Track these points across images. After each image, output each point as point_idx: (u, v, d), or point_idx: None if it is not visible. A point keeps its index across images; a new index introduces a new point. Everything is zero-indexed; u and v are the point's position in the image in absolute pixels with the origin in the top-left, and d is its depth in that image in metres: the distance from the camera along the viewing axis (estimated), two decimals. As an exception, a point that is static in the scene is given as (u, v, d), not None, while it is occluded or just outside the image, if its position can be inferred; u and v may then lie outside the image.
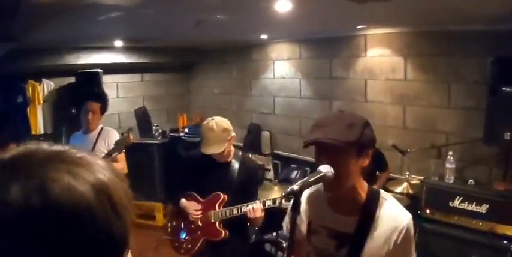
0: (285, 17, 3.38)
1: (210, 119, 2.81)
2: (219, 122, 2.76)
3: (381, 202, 1.58)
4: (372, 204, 1.57)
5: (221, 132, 2.73)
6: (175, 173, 3.22)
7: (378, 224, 1.52)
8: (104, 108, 3.90)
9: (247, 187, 2.86)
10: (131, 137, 3.44)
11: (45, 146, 0.62)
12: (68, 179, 0.56)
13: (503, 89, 3.18)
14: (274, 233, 3.55)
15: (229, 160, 2.89)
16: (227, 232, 2.81)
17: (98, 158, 0.65)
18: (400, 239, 1.50)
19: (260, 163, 5.26)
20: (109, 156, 3.40)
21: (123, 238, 0.62)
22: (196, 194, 2.95)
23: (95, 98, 3.93)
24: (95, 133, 3.77)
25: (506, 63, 3.25)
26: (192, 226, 2.93)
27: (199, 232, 2.89)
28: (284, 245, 3.27)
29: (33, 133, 5.48)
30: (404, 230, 1.50)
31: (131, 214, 0.65)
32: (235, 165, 2.88)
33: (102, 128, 3.81)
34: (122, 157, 3.73)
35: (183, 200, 2.95)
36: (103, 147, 3.66)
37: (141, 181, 5.70)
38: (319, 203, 1.68)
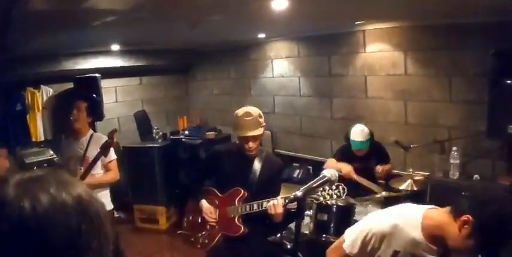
0: (281, 15, 3.35)
1: (243, 107, 2.90)
2: (254, 108, 2.86)
3: None
4: None
5: (258, 116, 2.81)
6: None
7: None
8: (91, 109, 3.86)
9: (269, 184, 2.86)
10: (115, 139, 3.45)
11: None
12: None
13: (506, 81, 3.13)
14: (278, 235, 3.52)
15: (253, 155, 2.91)
16: (246, 228, 2.81)
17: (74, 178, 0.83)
18: None
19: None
20: (96, 161, 3.41)
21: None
22: (215, 190, 2.98)
23: (83, 98, 3.93)
24: (85, 138, 3.73)
25: (507, 55, 3.21)
26: None
27: (217, 227, 2.90)
28: (288, 246, 3.24)
29: (33, 140, 5.47)
30: None
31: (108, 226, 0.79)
32: (259, 162, 2.90)
33: (92, 134, 3.78)
34: (113, 164, 3.72)
35: (203, 202, 2.97)
36: (94, 153, 3.63)
37: (142, 184, 5.69)
38: (413, 235, 1.69)
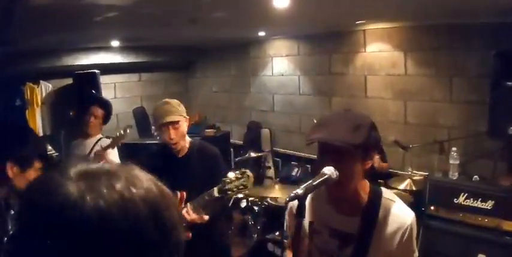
0: (283, 13, 3.34)
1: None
2: (175, 100, 2.76)
3: (384, 202, 1.56)
4: (374, 204, 1.56)
5: (177, 105, 2.70)
6: None
7: (382, 225, 1.52)
8: (106, 117, 3.88)
9: (207, 176, 2.64)
10: (127, 132, 3.45)
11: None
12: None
13: (508, 83, 3.13)
14: (277, 233, 3.51)
15: (186, 152, 2.75)
16: (189, 232, 2.70)
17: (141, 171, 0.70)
18: (404, 238, 1.50)
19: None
20: (105, 150, 3.41)
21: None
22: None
23: (100, 104, 3.90)
24: (93, 139, 3.73)
25: (509, 56, 3.21)
26: None
27: None
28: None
29: (32, 135, 5.44)
30: (408, 230, 1.51)
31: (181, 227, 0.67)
32: (194, 155, 2.75)
33: (100, 138, 3.78)
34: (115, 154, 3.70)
35: None
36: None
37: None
38: (321, 202, 1.66)
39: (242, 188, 2.32)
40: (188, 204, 2.53)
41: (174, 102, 2.73)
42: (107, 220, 0.55)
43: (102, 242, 0.55)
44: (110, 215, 0.55)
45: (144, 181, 0.64)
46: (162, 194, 0.65)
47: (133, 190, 0.59)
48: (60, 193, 0.56)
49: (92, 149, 3.65)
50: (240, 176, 2.32)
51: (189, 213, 2.51)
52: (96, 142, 3.70)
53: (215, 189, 2.45)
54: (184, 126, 2.72)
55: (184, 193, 2.64)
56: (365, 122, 1.51)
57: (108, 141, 3.69)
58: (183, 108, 2.76)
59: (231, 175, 2.35)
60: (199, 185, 2.61)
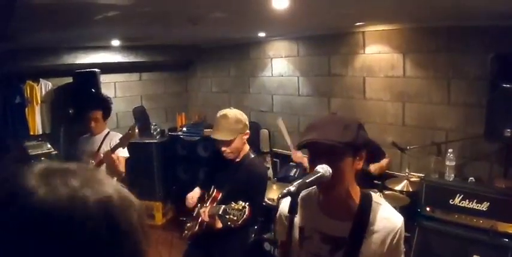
0: (282, 14, 3.35)
1: (227, 109, 2.77)
2: (234, 112, 2.73)
3: (374, 207, 1.60)
4: (365, 209, 1.59)
5: (234, 121, 2.66)
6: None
7: (372, 229, 1.55)
8: (106, 114, 3.94)
9: (241, 193, 2.66)
10: (136, 131, 3.51)
11: (56, 164, 0.68)
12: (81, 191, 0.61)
13: (504, 85, 3.15)
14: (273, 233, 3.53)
15: (238, 160, 2.79)
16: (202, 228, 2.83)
17: (109, 177, 0.71)
18: (394, 241, 1.54)
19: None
20: (113, 151, 3.45)
21: None
22: (214, 188, 2.94)
23: (95, 105, 3.95)
24: (100, 135, 3.83)
25: (506, 59, 3.23)
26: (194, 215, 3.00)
27: (199, 220, 2.88)
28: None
29: (31, 133, 5.46)
30: (398, 233, 1.55)
31: (141, 236, 0.67)
32: (241, 167, 2.77)
33: (108, 132, 3.84)
34: (122, 161, 3.73)
35: (196, 188, 3.03)
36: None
37: (139, 180, 5.69)
38: (312, 207, 1.67)
39: (233, 220, 2.39)
40: (210, 206, 2.67)
41: (232, 118, 2.67)
42: (52, 215, 0.56)
43: (45, 235, 0.55)
44: (57, 210, 0.56)
45: (104, 184, 0.65)
46: (122, 200, 0.66)
47: (87, 191, 0.60)
48: (16, 183, 0.59)
49: (101, 144, 3.73)
50: (241, 208, 2.40)
51: (205, 213, 2.66)
52: (105, 137, 3.79)
53: (222, 207, 2.54)
54: (238, 142, 2.70)
55: (220, 194, 2.74)
56: (352, 123, 1.56)
57: (116, 134, 3.76)
58: (243, 122, 2.70)
59: (240, 203, 2.43)
60: (234, 194, 2.67)
